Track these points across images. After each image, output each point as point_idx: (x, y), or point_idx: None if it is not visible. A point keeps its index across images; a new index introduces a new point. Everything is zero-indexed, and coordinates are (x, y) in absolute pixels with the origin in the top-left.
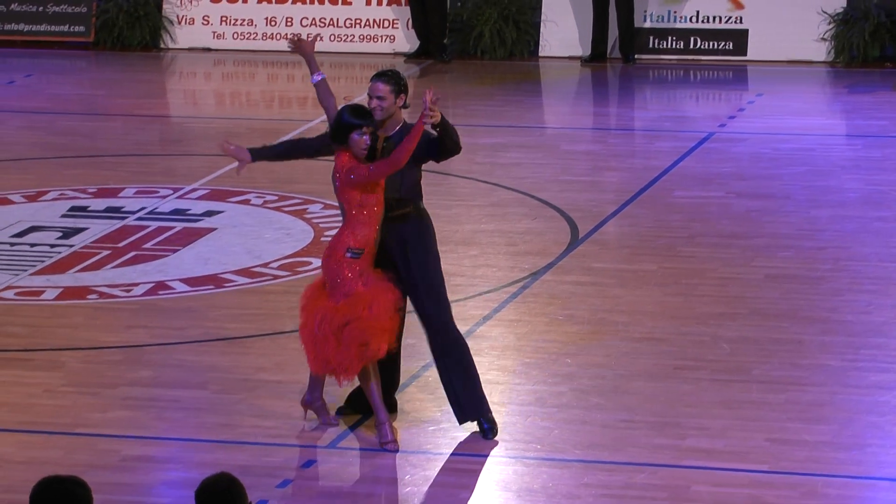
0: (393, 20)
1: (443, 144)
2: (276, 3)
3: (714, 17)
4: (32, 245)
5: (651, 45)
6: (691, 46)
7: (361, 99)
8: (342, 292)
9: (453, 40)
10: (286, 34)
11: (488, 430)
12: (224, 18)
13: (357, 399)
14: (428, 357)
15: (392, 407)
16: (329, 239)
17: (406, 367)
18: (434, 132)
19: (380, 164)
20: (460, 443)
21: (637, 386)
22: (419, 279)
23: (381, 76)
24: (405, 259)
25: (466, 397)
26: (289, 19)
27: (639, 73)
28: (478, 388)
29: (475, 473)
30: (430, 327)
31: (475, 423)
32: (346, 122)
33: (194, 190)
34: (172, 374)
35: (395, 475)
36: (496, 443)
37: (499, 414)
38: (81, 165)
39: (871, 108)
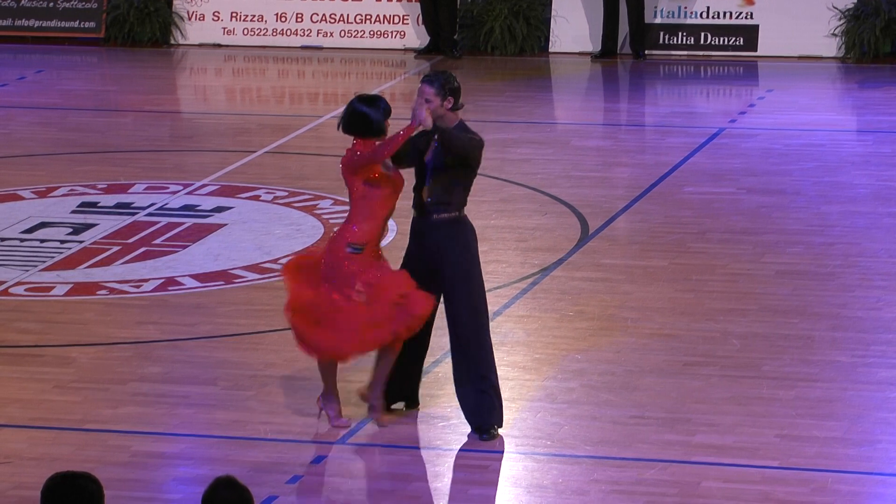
0: (403, 16)
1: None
2: None
3: (724, 13)
4: (42, 241)
5: (661, 41)
6: (702, 42)
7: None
8: (340, 284)
9: (463, 36)
10: (297, 30)
11: (485, 434)
12: (234, 14)
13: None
14: (437, 353)
15: (413, 401)
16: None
17: None
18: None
19: (366, 152)
20: (470, 438)
21: (647, 382)
22: (457, 285)
23: (427, 78)
24: (444, 264)
25: (482, 409)
26: (299, 15)
27: (649, 69)
28: (494, 399)
29: (485, 469)
30: (460, 334)
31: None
32: (365, 113)
33: (204, 186)
34: (182, 371)
35: (405, 471)
36: (506, 438)
37: (508, 410)
38: (92, 161)
39: (881, 103)
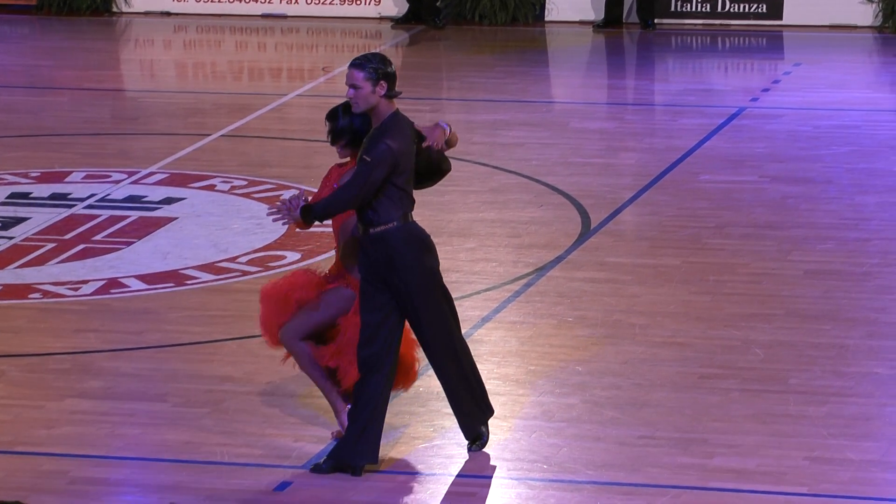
0: None
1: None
2: None
3: None
4: None
5: (673, 8)
6: (719, 9)
7: (341, 71)
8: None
9: (447, 3)
10: None
11: (473, 446)
12: None
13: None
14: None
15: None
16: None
17: None
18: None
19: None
20: (455, 462)
21: (658, 397)
22: (407, 301)
23: (355, 62)
24: (392, 280)
25: (468, 409)
26: None
27: (659, 40)
28: (475, 396)
29: (472, 497)
30: (424, 347)
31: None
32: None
33: (151, 174)
34: (127, 385)
35: (381, 499)
36: (496, 462)
37: (500, 429)
38: (23, 146)
39: None
